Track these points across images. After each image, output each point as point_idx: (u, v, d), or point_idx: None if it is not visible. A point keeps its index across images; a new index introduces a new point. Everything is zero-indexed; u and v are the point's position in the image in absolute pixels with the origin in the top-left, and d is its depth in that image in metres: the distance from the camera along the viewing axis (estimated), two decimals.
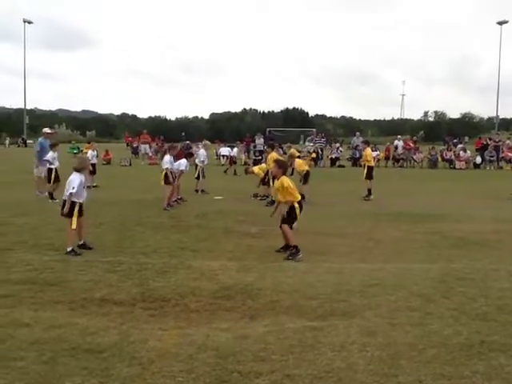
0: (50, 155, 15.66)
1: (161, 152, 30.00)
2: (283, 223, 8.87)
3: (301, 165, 16.71)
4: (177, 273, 7.64)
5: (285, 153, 36.99)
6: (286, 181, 8.89)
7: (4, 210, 13.41)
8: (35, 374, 4.36)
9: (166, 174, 14.32)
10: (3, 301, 6.29)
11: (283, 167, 9.38)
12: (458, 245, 9.84)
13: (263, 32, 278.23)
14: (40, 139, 17.39)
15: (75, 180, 8.88)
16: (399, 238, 10.44)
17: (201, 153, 19.22)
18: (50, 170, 15.55)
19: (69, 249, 8.68)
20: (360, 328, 5.49)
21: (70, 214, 8.78)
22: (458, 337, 5.27)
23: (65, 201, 8.87)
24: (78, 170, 9.08)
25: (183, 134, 44.29)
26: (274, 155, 16.58)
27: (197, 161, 18.96)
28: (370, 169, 17.56)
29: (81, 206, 8.92)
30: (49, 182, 15.58)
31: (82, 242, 9.10)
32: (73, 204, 8.80)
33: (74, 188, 8.76)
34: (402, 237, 10.60)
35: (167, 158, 14.67)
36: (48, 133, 17.74)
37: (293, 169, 16.74)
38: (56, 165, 15.61)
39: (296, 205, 8.83)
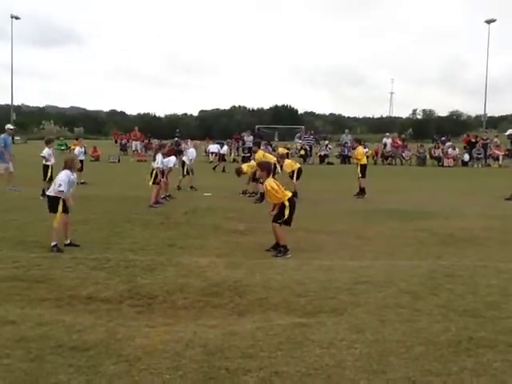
0: (45, 151, 15.46)
1: (152, 150, 30.05)
2: (273, 221, 8.84)
3: (291, 166, 16.67)
4: (165, 270, 7.60)
5: (274, 150, 37.13)
6: (269, 184, 8.85)
7: None
8: (21, 372, 4.31)
9: (156, 173, 14.28)
10: None
11: (267, 169, 9.38)
12: (447, 242, 9.87)
13: (253, 30, 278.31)
14: (3, 135, 17.72)
15: (63, 178, 8.87)
16: (388, 236, 10.45)
17: (190, 151, 19.20)
18: (45, 166, 15.34)
19: (52, 243, 8.62)
20: (349, 325, 5.48)
21: (54, 210, 8.77)
22: (446, 333, 5.28)
23: (49, 196, 8.90)
24: (65, 168, 9.06)
25: (178, 130, 44.18)
26: (260, 153, 16.63)
27: (185, 158, 18.94)
28: (363, 167, 17.45)
29: (64, 202, 8.83)
30: (44, 178, 15.36)
31: (68, 242, 9.05)
32: (57, 200, 8.78)
33: (60, 185, 8.76)
34: (391, 234, 10.61)
35: (159, 157, 14.61)
36: (10, 129, 18.87)
37: (281, 166, 16.69)
38: (52, 161, 15.44)
39: (286, 203, 8.79)
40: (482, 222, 12.10)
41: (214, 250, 8.91)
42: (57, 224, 8.74)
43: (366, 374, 4.34)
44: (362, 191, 17.21)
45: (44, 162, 15.37)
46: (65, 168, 9.08)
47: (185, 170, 18.46)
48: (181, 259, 8.22)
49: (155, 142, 38.52)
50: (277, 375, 4.31)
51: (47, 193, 9.13)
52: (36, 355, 4.64)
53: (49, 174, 15.14)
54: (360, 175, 17.30)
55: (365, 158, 17.99)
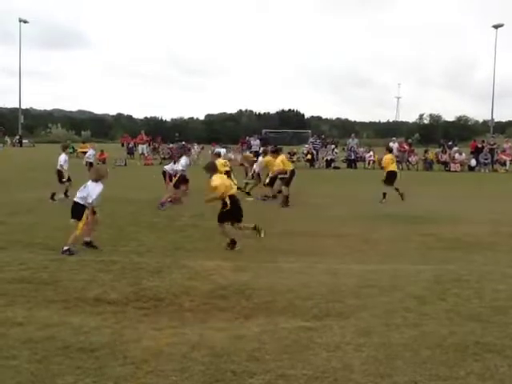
0: (62, 158, 15.39)
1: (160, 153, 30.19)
2: (217, 220, 9.46)
3: (275, 164, 16.64)
4: (171, 272, 7.62)
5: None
6: (213, 180, 9.41)
7: (1, 209, 13.35)
8: (28, 373, 4.33)
9: (179, 177, 14.36)
10: None
11: (209, 169, 9.73)
12: (453, 246, 9.84)
13: (260, 34, 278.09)
14: None
15: (95, 190, 9.02)
16: (395, 240, 10.43)
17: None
18: (59, 171, 15.36)
19: (65, 248, 8.64)
20: (355, 328, 5.48)
21: (79, 218, 8.85)
22: (452, 338, 5.26)
23: (77, 203, 8.99)
24: (96, 180, 9.18)
25: (177, 134, 44.32)
26: (280, 158, 16.79)
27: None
28: (389, 174, 17.47)
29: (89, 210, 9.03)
30: (60, 181, 15.39)
31: (89, 240, 9.19)
32: (84, 209, 8.92)
33: (92, 198, 8.94)
34: (397, 238, 10.59)
35: (184, 160, 14.59)
36: None
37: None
38: (66, 167, 15.46)
39: (226, 200, 9.29)
40: (489, 227, 12.05)
41: (220, 254, 8.92)
42: (79, 232, 8.80)
43: (373, 378, 4.34)
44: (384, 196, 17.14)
45: (59, 167, 15.38)
46: (98, 180, 9.20)
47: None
48: (187, 262, 8.23)
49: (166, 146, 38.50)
50: (283, 378, 4.32)
51: (75, 199, 9.09)
52: (43, 356, 4.66)
53: (66, 176, 15.22)
54: (386, 182, 17.31)
55: (391, 165, 17.86)
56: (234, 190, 9.84)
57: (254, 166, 19.24)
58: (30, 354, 4.71)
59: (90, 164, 18.26)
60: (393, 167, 17.80)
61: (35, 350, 4.77)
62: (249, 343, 5.04)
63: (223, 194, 9.29)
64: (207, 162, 10.51)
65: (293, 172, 16.44)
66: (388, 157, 18.20)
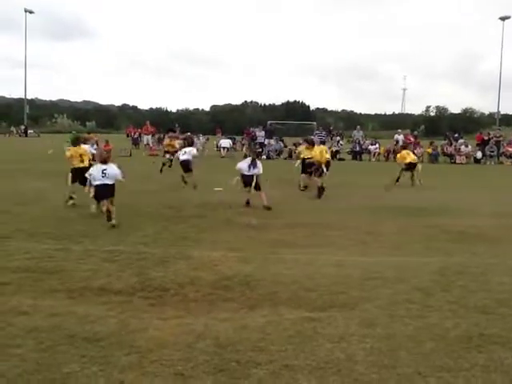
0: (88, 147, 15.50)
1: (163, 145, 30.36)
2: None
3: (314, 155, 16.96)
4: (176, 263, 7.63)
5: (286, 146, 37.15)
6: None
7: (3, 199, 13.39)
8: (33, 362, 4.35)
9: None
10: (2, 288, 6.29)
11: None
12: (458, 239, 9.82)
13: (266, 25, 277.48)
14: None
15: (114, 168, 10.95)
16: (399, 232, 10.42)
17: (194, 150, 19.25)
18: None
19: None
20: (359, 320, 5.48)
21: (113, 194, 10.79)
22: (457, 329, 5.26)
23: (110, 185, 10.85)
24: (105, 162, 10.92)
25: (177, 125, 44.36)
26: (319, 148, 17.14)
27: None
28: (408, 164, 19.24)
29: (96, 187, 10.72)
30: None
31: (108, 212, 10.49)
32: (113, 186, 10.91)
33: (90, 175, 10.88)
34: (401, 230, 10.58)
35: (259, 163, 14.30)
36: None
37: None
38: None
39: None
40: (494, 219, 12.02)
41: (225, 244, 8.92)
42: (91, 194, 10.88)
43: (377, 369, 4.35)
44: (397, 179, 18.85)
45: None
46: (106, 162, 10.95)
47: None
48: (192, 252, 8.25)
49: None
50: (287, 368, 4.33)
51: (105, 182, 10.71)
52: (48, 345, 4.68)
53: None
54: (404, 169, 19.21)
55: (408, 158, 19.52)
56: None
57: None
58: (35, 342, 4.73)
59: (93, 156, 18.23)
60: (410, 159, 19.50)
61: (40, 339, 4.80)
62: (253, 333, 5.05)
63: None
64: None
65: (328, 163, 17.09)
66: (403, 152, 20.03)
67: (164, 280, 6.75)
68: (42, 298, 5.98)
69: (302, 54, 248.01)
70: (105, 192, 10.64)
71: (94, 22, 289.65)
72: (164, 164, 21.77)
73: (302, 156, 17.72)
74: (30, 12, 64.06)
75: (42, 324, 5.18)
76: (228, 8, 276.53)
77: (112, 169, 10.82)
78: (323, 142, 20.39)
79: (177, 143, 23.13)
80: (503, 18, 51.13)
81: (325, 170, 16.34)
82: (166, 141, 24.92)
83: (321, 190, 15.55)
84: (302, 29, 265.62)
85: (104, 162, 10.86)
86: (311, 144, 17.36)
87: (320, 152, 16.64)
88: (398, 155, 20.52)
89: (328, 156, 17.39)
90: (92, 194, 10.86)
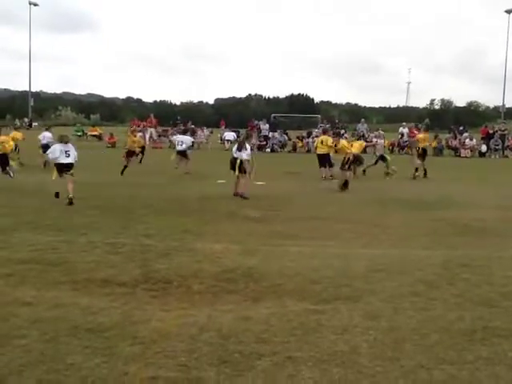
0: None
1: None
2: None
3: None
4: (179, 255, 7.63)
5: (290, 139, 37.12)
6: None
7: (7, 192, 13.41)
8: (37, 352, 4.36)
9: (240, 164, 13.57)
10: (6, 280, 6.31)
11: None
12: (463, 232, 9.80)
13: (270, 18, 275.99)
14: None
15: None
16: (404, 225, 10.39)
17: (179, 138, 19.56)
18: None
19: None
20: (363, 312, 5.47)
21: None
22: (461, 322, 5.25)
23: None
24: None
25: (178, 118, 44.29)
26: (343, 142, 17.99)
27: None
28: (423, 150, 20.06)
29: (59, 165, 12.06)
30: None
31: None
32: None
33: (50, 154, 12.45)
34: (406, 223, 10.55)
35: (248, 148, 13.79)
36: None
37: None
38: None
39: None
40: (499, 212, 11.98)
41: (228, 237, 8.92)
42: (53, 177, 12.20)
43: (380, 361, 4.33)
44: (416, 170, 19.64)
45: None
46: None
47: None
48: (195, 245, 8.24)
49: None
50: (290, 360, 4.32)
51: (68, 160, 12.11)
52: (52, 336, 4.69)
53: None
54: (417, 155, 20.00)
55: (424, 142, 20.48)
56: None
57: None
58: (39, 333, 4.74)
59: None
60: (423, 145, 20.31)
61: (44, 330, 4.80)
62: (257, 325, 5.04)
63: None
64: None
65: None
66: (421, 135, 21.26)
67: (167, 272, 6.75)
68: (46, 290, 5.98)
69: (307, 46, 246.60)
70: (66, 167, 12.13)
71: (99, 15, 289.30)
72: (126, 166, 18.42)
73: (345, 149, 17.48)
74: (35, 5, 63.82)
75: (45, 315, 5.19)
76: (233, 2, 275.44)
77: (73, 149, 12.46)
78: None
79: (138, 136, 22.46)
80: (509, 11, 50.68)
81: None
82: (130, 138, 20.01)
83: (347, 183, 15.86)
84: (307, 21, 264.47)
85: (65, 143, 12.34)
86: (337, 136, 18.57)
87: (359, 145, 18.59)
88: (417, 136, 21.83)
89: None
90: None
